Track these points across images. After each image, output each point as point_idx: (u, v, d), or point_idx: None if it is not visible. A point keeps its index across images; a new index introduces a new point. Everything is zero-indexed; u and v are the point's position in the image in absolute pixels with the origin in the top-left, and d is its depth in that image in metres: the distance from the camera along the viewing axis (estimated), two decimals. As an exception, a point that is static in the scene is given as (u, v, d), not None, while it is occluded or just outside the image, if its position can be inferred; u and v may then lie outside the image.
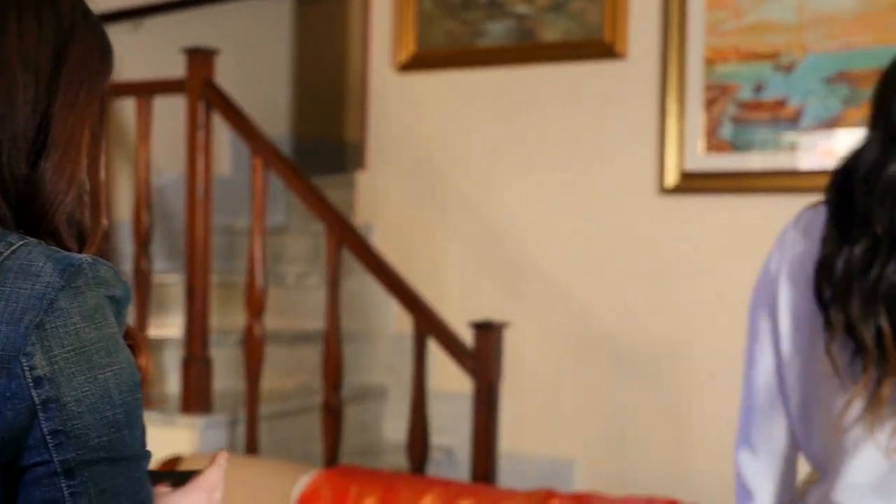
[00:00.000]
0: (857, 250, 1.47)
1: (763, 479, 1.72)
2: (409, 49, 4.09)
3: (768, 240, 3.54)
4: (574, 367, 3.85)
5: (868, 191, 1.49)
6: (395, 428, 3.98)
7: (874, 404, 1.44)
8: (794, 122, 3.48)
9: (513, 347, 3.86)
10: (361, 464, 3.67)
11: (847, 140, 3.40)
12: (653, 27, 3.70)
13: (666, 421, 3.71)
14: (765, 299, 1.66)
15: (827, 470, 1.56)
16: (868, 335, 1.43)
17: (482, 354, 3.09)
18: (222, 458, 1.22)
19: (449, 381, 3.94)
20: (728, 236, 3.61)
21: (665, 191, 3.67)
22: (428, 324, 3.16)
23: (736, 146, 3.57)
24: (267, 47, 5.08)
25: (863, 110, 3.39)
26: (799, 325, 1.58)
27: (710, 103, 3.60)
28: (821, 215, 1.57)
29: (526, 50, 3.90)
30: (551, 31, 3.85)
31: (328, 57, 5.36)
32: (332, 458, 3.25)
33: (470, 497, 2.81)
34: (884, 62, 3.39)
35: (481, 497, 2.81)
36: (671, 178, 3.65)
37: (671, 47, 3.64)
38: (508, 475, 3.88)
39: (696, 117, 3.61)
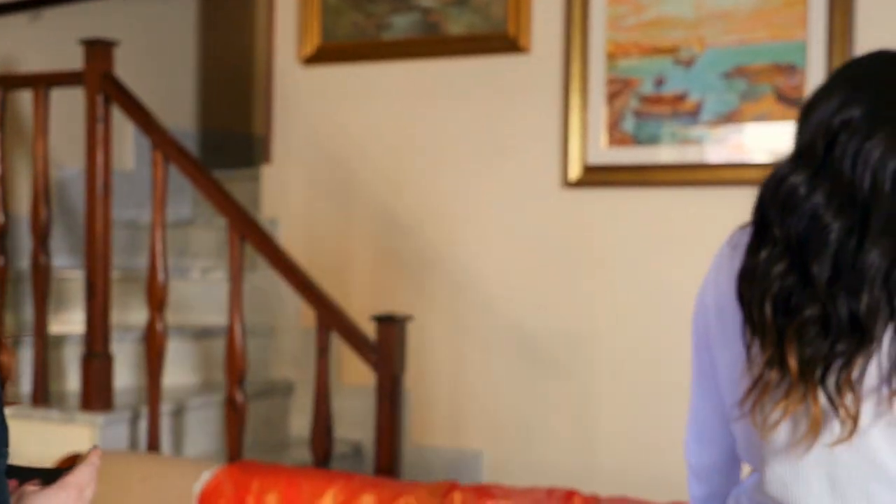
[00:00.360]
0: (763, 255, 1.60)
1: (709, 469, 1.90)
2: (314, 42, 4.07)
3: (669, 232, 3.62)
4: (480, 359, 3.87)
5: (771, 202, 1.62)
6: (301, 423, 3.96)
7: (762, 390, 1.56)
8: (694, 115, 3.53)
9: (420, 340, 3.88)
10: (268, 459, 3.65)
11: (745, 134, 3.46)
12: (556, 22, 3.73)
13: (571, 412, 3.75)
14: (700, 317, 1.79)
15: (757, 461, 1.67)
16: (760, 325, 1.55)
17: (385, 348, 3.09)
18: (95, 457, 1.20)
19: (357, 375, 3.93)
20: (630, 229, 3.65)
21: (568, 184, 3.70)
22: (331, 318, 3.16)
23: (638, 140, 3.61)
24: (172, 39, 5.02)
25: (760, 105, 3.47)
26: (729, 333, 1.68)
27: (612, 97, 3.63)
28: (747, 234, 1.68)
29: (431, 43, 3.90)
30: (456, 25, 3.86)
31: (234, 49, 5.32)
32: (235, 453, 3.22)
33: (372, 491, 2.82)
34: (778, 57, 3.47)
35: (383, 491, 2.82)
36: (574, 172, 3.68)
37: (574, 42, 3.67)
38: (416, 468, 3.89)
39: (599, 111, 3.65)
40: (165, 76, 4.89)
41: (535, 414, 3.80)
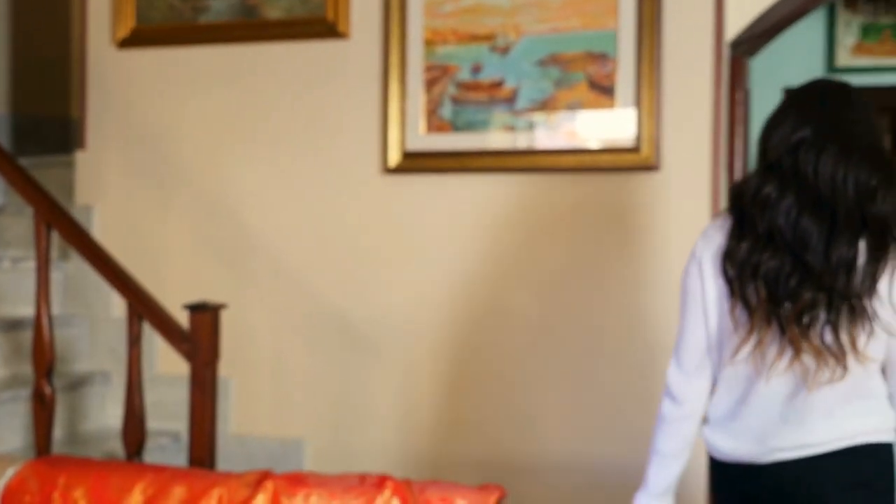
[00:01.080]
0: (745, 244, 2.20)
1: (691, 393, 2.36)
2: (128, 24, 3.97)
3: (488, 218, 3.66)
4: (302, 346, 3.84)
5: (752, 204, 2.20)
6: (118, 414, 3.87)
7: (756, 346, 2.19)
8: (510, 102, 3.57)
9: (240, 328, 3.83)
10: (84, 452, 3.56)
11: (560, 120, 3.52)
12: (374, 8, 3.72)
13: (392, 397, 3.76)
14: (695, 272, 2.32)
15: (718, 385, 2.33)
16: (753, 301, 2.18)
17: (197, 336, 3.04)
18: None
19: (174, 364, 3.86)
20: (449, 215, 3.67)
21: (388, 170, 3.70)
22: (142, 306, 3.09)
23: (456, 126, 3.63)
24: (-17, 21, 4.83)
25: (574, 92, 3.52)
26: (715, 294, 2.28)
27: (430, 84, 3.65)
28: (727, 220, 2.27)
29: (249, 27, 3.85)
30: (274, 9, 3.82)
31: (50, 32, 5.14)
32: (43, 448, 3.13)
33: (183, 483, 2.76)
34: (591, 46, 3.53)
35: (195, 482, 2.77)
36: (394, 158, 3.68)
37: (392, 28, 3.66)
38: (238, 458, 3.85)
39: (417, 98, 3.65)
40: (-25, 59, 4.71)
41: (357, 400, 3.80)
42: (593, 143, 3.50)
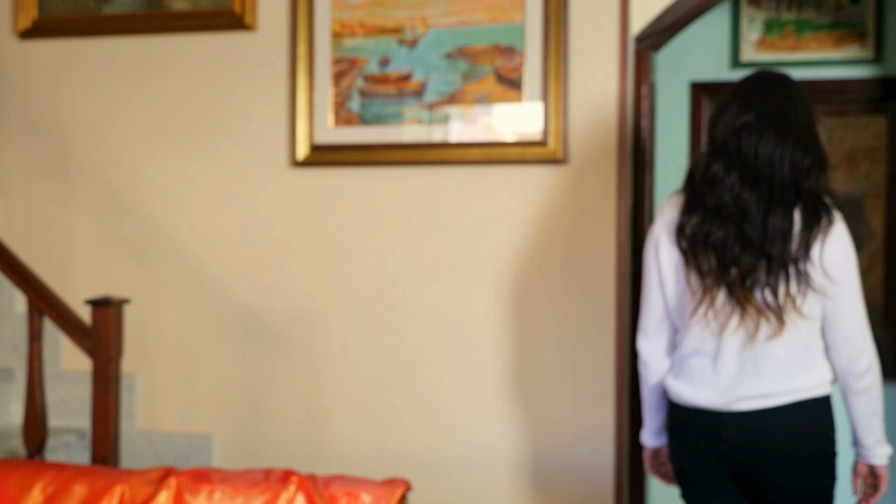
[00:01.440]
0: (696, 218, 2.56)
1: (654, 354, 2.74)
2: (30, 15, 3.89)
3: (396, 211, 3.65)
4: (210, 341, 3.81)
5: (701, 182, 2.56)
6: (21, 411, 3.80)
7: (710, 307, 2.55)
8: (418, 95, 3.57)
9: (147, 323, 3.79)
10: (-15, 451, 3.50)
11: (466, 114, 3.52)
12: (281, 0, 3.69)
13: (302, 393, 3.74)
14: (652, 250, 2.67)
15: (681, 343, 2.68)
16: (705, 267, 2.54)
17: (99, 332, 2.99)
18: None
19: (81, 360, 3.81)
20: (358, 208, 3.66)
21: (296, 163, 3.68)
22: (42, 302, 3.03)
23: (364, 119, 3.62)
24: None
25: (482, 86, 3.53)
26: (672, 264, 2.64)
27: (338, 77, 3.63)
28: (680, 197, 2.63)
29: (154, 19, 3.80)
30: (180, 1, 3.77)
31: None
32: (-59, 447, 3.06)
33: (84, 481, 2.73)
34: (498, 39, 3.54)
35: (96, 480, 2.74)
36: (302, 151, 3.66)
37: (300, 21, 3.64)
38: (145, 454, 3.80)
39: (325, 90, 3.64)
40: None
41: (266, 395, 3.77)
42: (501, 137, 3.51)
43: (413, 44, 3.57)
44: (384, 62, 3.60)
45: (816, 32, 4.37)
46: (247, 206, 3.76)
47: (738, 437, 2.57)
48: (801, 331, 2.53)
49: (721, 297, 2.54)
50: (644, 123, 3.56)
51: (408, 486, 2.67)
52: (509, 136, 3.50)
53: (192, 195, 3.80)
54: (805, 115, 2.57)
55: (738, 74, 4.48)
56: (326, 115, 3.64)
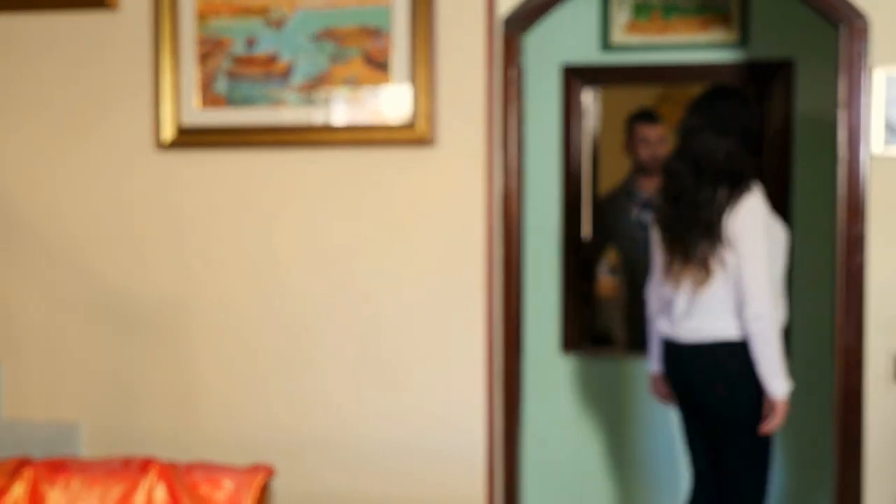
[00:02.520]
0: (665, 204, 3.51)
1: (651, 298, 3.69)
2: None
3: (265, 194, 3.61)
4: (76, 327, 3.73)
5: (665, 175, 3.51)
6: None
7: (670, 265, 3.48)
8: (285, 77, 3.53)
9: (9, 310, 3.70)
10: None
11: (334, 96, 3.50)
12: (144, -22, 3.62)
13: (172, 379, 3.69)
14: (650, 232, 3.68)
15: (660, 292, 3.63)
16: (665, 238, 3.51)
17: (-49, 321, 2.90)
18: None
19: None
20: (225, 191, 3.61)
21: (162, 146, 3.62)
22: None
23: (231, 101, 3.57)
24: None
25: (350, 68, 3.51)
26: (658, 240, 3.57)
27: (204, 58, 3.57)
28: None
29: (12, -3, 3.69)
30: (39, -22, 3.67)
31: None
32: None
33: (-66, 474, 2.65)
34: (365, 21, 3.52)
35: (-52, 472, 2.66)
36: (168, 134, 3.60)
37: (163, 0, 3.57)
38: (9, 444, 3.72)
39: (191, 72, 3.58)
40: None
41: (135, 381, 3.71)
42: (369, 119, 3.49)
43: (280, 25, 3.53)
44: (251, 43, 3.55)
45: (683, 16, 4.43)
46: (111, 189, 3.68)
47: (680, 361, 3.53)
48: (721, 282, 3.36)
49: (675, 259, 3.46)
50: (513, 106, 3.57)
51: (270, 472, 2.65)
52: (377, 119, 3.49)
53: (54, 178, 3.70)
54: (744, 117, 3.43)
55: (608, 58, 4.53)
56: (192, 97, 3.58)
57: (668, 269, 3.49)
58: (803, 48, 4.36)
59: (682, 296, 3.46)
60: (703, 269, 3.35)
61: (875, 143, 3.30)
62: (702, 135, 3.38)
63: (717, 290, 3.37)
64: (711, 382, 3.43)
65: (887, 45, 3.30)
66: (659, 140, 4.94)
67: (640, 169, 4.94)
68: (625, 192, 4.94)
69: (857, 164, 3.32)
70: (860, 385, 3.36)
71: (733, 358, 3.38)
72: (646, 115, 4.95)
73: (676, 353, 3.53)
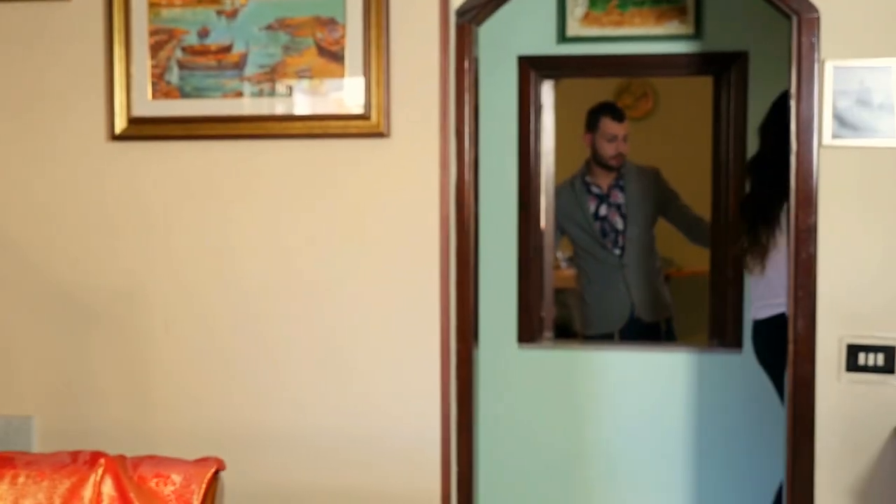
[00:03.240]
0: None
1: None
2: None
3: (218, 185, 3.59)
4: (29, 320, 3.69)
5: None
6: None
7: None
8: (239, 68, 3.51)
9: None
10: None
11: (288, 87, 3.48)
12: (92, -32, 3.58)
13: (124, 373, 3.66)
14: None
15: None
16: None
17: None
18: None
19: None
20: (179, 183, 3.59)
21: (115, 137, 3.59)
22: None
23: (184, 92, 3.55)
24: None
25: (304, 58, 3.50)
26: None
27: (156, 48, 3.54)
28: None
29: (-39, -14, 3.64)
30: (-11, -32, 3.62)
31: None
32: None
33: None
34: (319, 11, 3.50)
35: None
36: (120, 125, 3.57)
37: (115, -11, 3.55)
38: (-41, 440, 3.68)
39: (143, 62, 3.55)
40: None
41: (89, 374, 3.68)
42: (323, 110, 3.48)
43: (232, 15, 3.51)
44: (203, 33, 3.53)
45: (639, 8, 4.44)
46: (63, 180, 3.65)
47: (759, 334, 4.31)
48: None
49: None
50: (467, 97, 3.56)
51: (220, 465, 2.63)
52: (331, 110, 3.47)
53: (6, 169, 3.67)
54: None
55: (565, 49, 4.53)
56: (145, 88, 3.56)
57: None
58: (757, 40, 4.39)
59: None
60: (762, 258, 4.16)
61: (825, 134, 3.32)
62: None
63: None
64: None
65: (838, 37, 3.32)
66: (623, 137, 4.94)
67: (598, 163, 4.95)
68: (581, 183, 4.95)
69: (808, 155, 3.34)
70: (812, 374, 3.38)
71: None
72: (612, 111, 4.95)
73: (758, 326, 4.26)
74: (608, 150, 4.90)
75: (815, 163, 3.33)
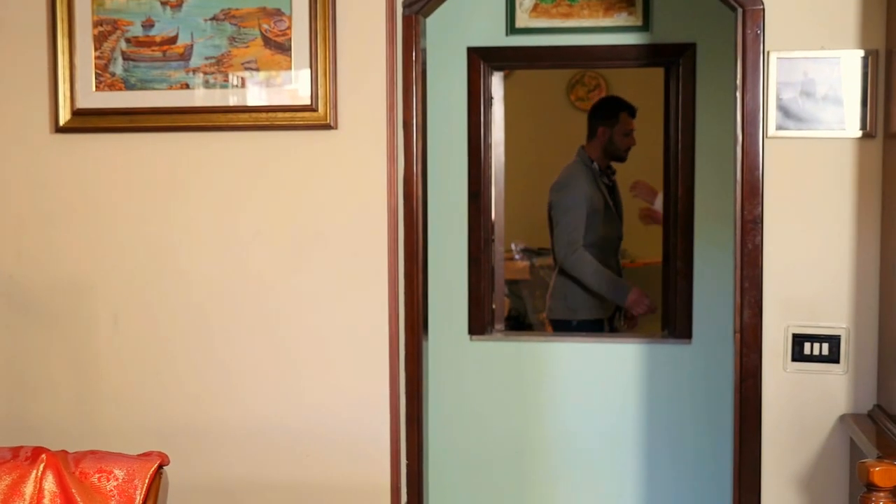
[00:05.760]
0: None
1: None
2: None
3: (164, 178, 3.56)
4: (-28, 316, 3.65)
5: None
6: None
7: None
8: (184, 59, 3.48)
9: None
10: None
11: (234, 78, 3.45)
12: (39, -42, 3.54)
13: (70, 366, 3.62)
14: None
15: None
16: None
17: None
18: None
19: None
20: (123, 175, 3.56)
21: (59, 129, 3.55)
22: None
23: (128, 83, 3.51)
24: None
25: (250, 49, 3.47)
26: None
27: (100, 39, 3.50)
28: None
29: None
30: (-72, -43, 3.57)
31: None
32: None
33: None
34: (265, 1, 3.46)
35: None
36: (64, 116, 3.53)
37: (58, -21, 3.50)
38: None
39: (87, 53, 3.51)
40: None
41: (32, 369, 3.64)
42: (270, 102, 3.45)
43: (177, 6, 3.47)
44: (148, 24, 3.49)
45: (588, 0, 4.45)
46: (8, 173, 3.60)
47: None
48: None
49: None
50: (415, 89, 3.55)
51: (164, 460, 2.61)
52: (278, 101, 3.45)
53: (-54, 163, 3.62)
54: None
55: (514, 41, 4.53)
56: (89, 79, 3.52)
57: None
58: (706, 32, 4.41)
59: None
60: None
61: (770, 125, 3.34)
62: None
63: None
64: None
65: (783, 28, 3.34)
66: (633, 131, 5.21)
67: (611, 154, 5.10)
68: (597, 168, 5.06)
69: (754, 147, 3.36)
70: (759, 363, 3.40)
71: None
72: (629, 107, 5.16)
73: None
74: (624, 142, 5.13)
75: (760, 154, 3.35)
